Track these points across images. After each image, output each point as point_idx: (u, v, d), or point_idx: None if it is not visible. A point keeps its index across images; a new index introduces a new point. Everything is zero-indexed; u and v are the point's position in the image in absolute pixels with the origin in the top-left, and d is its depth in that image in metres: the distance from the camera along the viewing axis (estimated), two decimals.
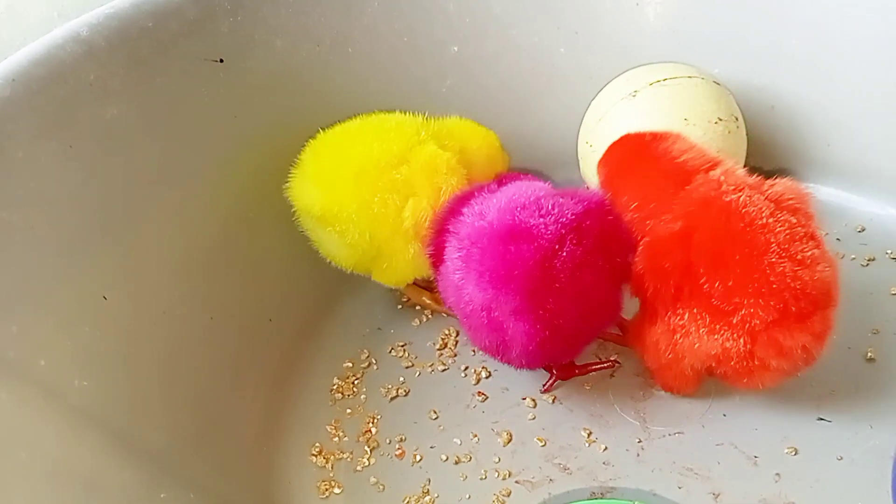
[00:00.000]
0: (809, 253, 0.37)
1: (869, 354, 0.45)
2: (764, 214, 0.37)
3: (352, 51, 0.51)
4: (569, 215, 0.38)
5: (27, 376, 0.33)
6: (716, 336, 0.38)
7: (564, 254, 0.37)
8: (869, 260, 0.50)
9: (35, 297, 0.35)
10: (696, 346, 0.39)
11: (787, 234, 0.37)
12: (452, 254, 0.40)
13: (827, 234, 0.52)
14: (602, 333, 0.46)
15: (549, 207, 0.38)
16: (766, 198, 0.38)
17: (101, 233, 0.38)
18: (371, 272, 0.47)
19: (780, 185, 0.39)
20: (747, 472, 0.41)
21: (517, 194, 0.39)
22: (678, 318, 0.39)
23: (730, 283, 0.37)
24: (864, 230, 0.53)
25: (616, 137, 0.49)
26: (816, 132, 0.54)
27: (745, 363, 0.38)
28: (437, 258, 0.42)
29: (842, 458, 0.41)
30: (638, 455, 0.42)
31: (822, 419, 0.43)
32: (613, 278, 0.40)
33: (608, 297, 0.40)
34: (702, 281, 0.37)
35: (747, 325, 0.37)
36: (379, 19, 0.52)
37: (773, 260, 0.36)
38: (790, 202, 0.39)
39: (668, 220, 0.40)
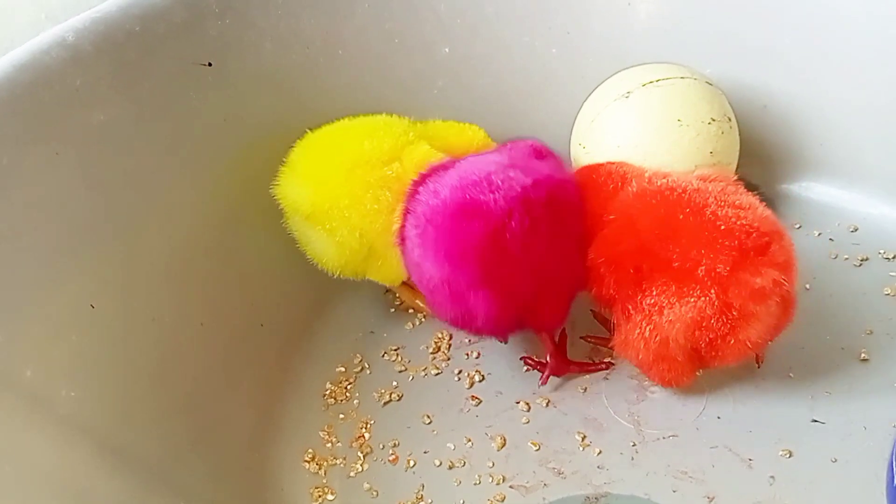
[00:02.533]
0: (747, 200, 0.40)
1: (862, 355, 0.45)
2: (694, 183, 0.40)
3: (342, 52, 0.51)
4: (517, 188, 0.40)
5: (13, 387, 0.33)
6: (688, 298, 0.38)
7: (514, 225, 0.39)
8: (862, 260, 0.50)
9: (21, 305, 0.34)
10: (675, 317, 0.39)
11: (720, 190, 0.40)
12: (410, 232, 0.41)
13: (820, 233, 0.52)
14: (595, 339, 0.47)
15: (499, 183, 0.40)
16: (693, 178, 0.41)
17: (89, 240, 0.38)
18: (359, 274, 0.47)
19: (702, 170, 0.43)
20: (742, 475, 0.41)
21: (469, 170, 0.41)
22: (648, 297, 0.40)
23: (683, 241, 0.38)
24: (857, 230, 0.53)
25: (609, 138, 0.49)
26: (809, 131, 0.54)
27: (725, 318, 0.38)
28: (401, 239, 0.43)
29: (836, 460, 0.41)
30: (632, 458, 0.42)
31: (816, 421, 0.42)
32: (567, 244, 0.42)
33: (564, 262, 0.42)
34: (657, 251, 0.39)
35: (713, 273, 0.38)
36: (369, 21, 0.51)
37: (714, 209, 0.39)
38: (713, 177, 0.42)
39: (612, 218, 0.42)
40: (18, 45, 0.37)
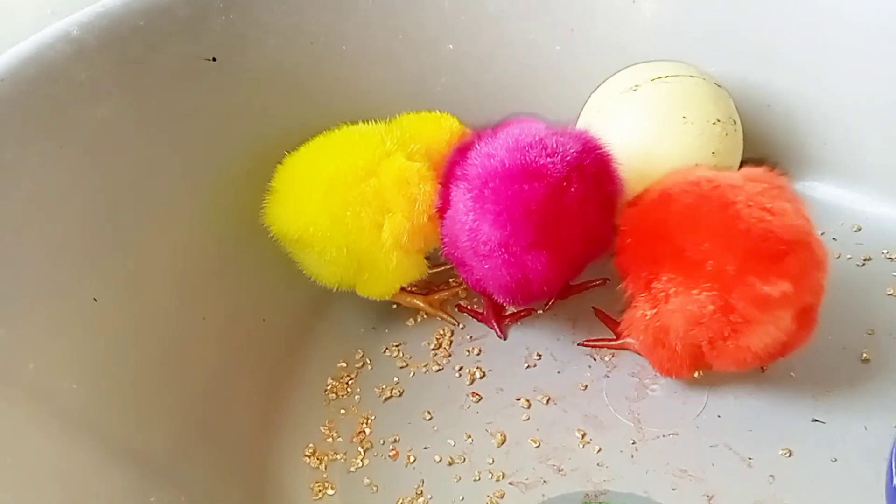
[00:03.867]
0: (780, 205, 0.38)
1: (864, 355, 0.45)
2: (733, 179, 0.40)
3: (346, 49, 0.51)
4: (572, 153, 0.41)
5: (16, 380, 0.33)
6: (692, 291, 0.38)
7: (572, 189, 0.40)
8: (865, 260, 0.50)
9: (24, 299, 0.34)
10: (677, 307, 0.39)
11: (758, 191, 0.39)
12: (463, 196, 0.42)
13: (823, 233, 0.52)
14: (594, 343, 0.48)
15: (554, 146, 0.41)
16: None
17: (92, 234, 0.38)
18: (355, 286, 0.47)
19: (749, 168, 0.42)
20: (741, 474, 0.41)
21: (521, 134, 0.42)
22: (658, 281, 0.40)
23: (699, 233, 0.38)
24: (860, 230, 0.52)
25: (614, 129, 0.49)
26: (812, 131, 0.54)
27: (725, 319, 0.38)
28: (443, 207, 0.43)
29: (836, 460, 0.41)
30: (632, 456, 0.42)
31: (816, 420, 0.42)
32: (607, 207, 0.43)
33: (604, 223, 0.43)
34: (675, 238, 0.39)
35: (720, 271, 0.37)
36: (373, 17, 0.51)
37: (740, 208, 0.38)
38: (761, 177, 0.40)
39: (648, 194, 0.42)
40: (23, 39, 0.37)
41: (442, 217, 0.44)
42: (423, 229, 0.45)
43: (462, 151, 0.44)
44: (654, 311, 0.40)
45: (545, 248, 0.41)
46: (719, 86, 0.49)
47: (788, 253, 0.37)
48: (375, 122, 0.47)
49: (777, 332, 0.38)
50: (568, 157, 0.41)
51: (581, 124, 0.52)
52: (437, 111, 0.50)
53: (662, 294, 0.39)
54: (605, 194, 0.43)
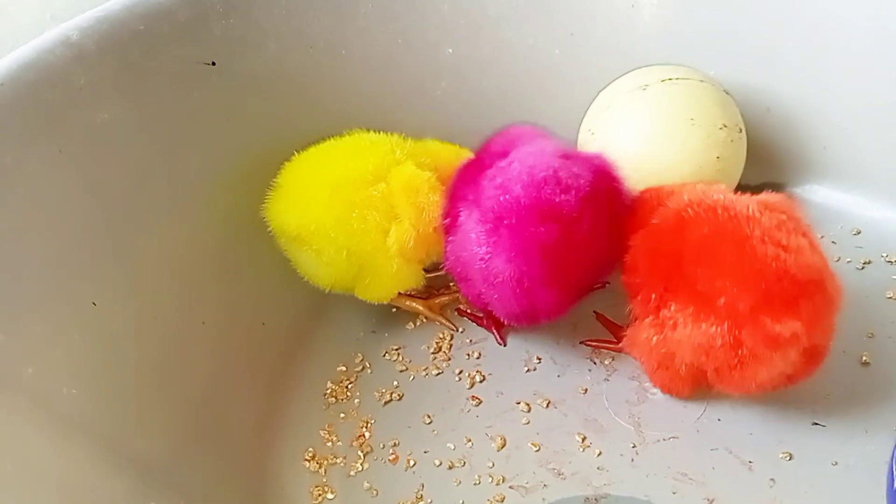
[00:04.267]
0: (796, 242, 0.38)
1: (864, 358, 0.45)
2: (751, 209, 0.39)
3: (345, 53, 0.51)
4: (585, 186, 0.41)
5: (14, 385, 0.33)
6: (701, 324, 0.38)
7: (585, 226, 0.41)
8: (865, 263, 0.50)
9: (23, 303, 0.34)
10: (684, 338, 0.38)
11: (774, 225, 0.38)
12: (475, 227, 0.41)
13: (823, 236, 0.52)
14: (596, 343, 0.48)
15: (568, 182, 0.41)
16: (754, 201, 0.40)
17: (91, 238, 0.38)
18: (351, 289, 0.47)
19: (766, 194, 0.41)
20: (742, 478, 0.41)
21: (535, 164, 0.41)
22: (667, 309, 0.39)
23: (713, 268, 0.38)
24: (860, 233, 0.52)
25: (620, 127, 0.49)
26: (812, 134, 0.54)
27: (733, 353, 0.37)
28: (451, 226, 0.43)
29: (837, 464, 0.41)
30: (632, 460, 0.42)
31: (816, 424, 0.42)
32: (615, 233, 0.43)
33: (612, 249, 0.43)
34: (688, 268, 0.38)
35: (731, 308, 0.37)
36: (373, 21, 0.51)
37: (755, 244, 0.37)
38: (777, 206, 0.40)
39: (663, 216, 0.41)
40: (23, 43, 0.37)
41: (447, 235, 0.44)
42: (428, 239, 0.45)
43: (471, 170, 0.44)
44: (661, 336, 0.40)
45: (557, 283, 0.41)
46: (727, 93, 0.49)
47: (802, 296, 0.37)
48: (383, 133, 0.47)
49: (784, 365, 0.38)
50: (582, 193, 0.41)
51: (589, 122, 0.52)
52: (458, 144, 0.49)
53: (671, 321, 0.39)
54: (614, 215, 0.43)
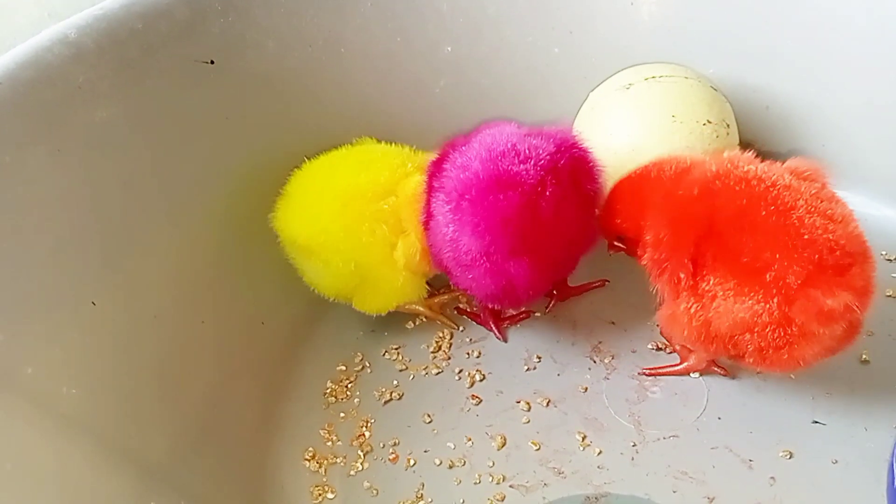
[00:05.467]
0: (840, 211, 0.37)
1: (863, 356, 0.45)
2: (786, 178, 0.37)
3: (344, 51, 0.51)
4: (545, 157, 0.41)
5: (14, 385, 0.33)
6: (745, 299, 0.36)
7: (547, 193, 0.40)
8: None
9: (22, 303, 0.34)
10: (724, 311, 0.37)
11: (812, 194, 0.37)
12: (442, 208, 0.42)
13: None
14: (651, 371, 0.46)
15: (527, 152, 0.41)
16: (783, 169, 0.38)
17: (91, 237, 0.38)
18: (351, 300, 0.47)
19: (794, 160, 0.40)
20: (742, 476, 0.41)
21: (494, 142, 0.42)
22: (706, 283, 0.38)
23: (759, 239, 0.36)
24: None
25: (605, 126, 0.49)
26: (811, 132, 0.54)
27: (782, 332, 0.36)
28: (427, 220, 0.43)
29: (837, 461, 0.41)
30: (632, 459, 0.42)
31: (816, 422, 0.42)
32: (586, 206, 0.43)
33: (584, 222, 0.44)
34: (728, 240, 0.37)
35: (781, 282, 0.35)
36: (372, 20, 0.51)
37: (802, 214, 0.36)
38: (807, 173, 0.39)
39: (685, 190, 0.39)
40: (21, 42, 0.37)
41: (426, 229, 0.44)
42: None
43: (439, 163, 0.43)
44: (699, 305, 0.38)
45: (526, 255, 0.41)
46: (716, 89, 0.49)
47: (853, 265, 0.35)
48: (395, 144, 0.47)
49: (830, 342, 0.37)
50: (542, 162, 0.41)
51: (577, 122, 0.52)
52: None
53: (710, 294, 0.38)
54: (584, 192, 0.43)
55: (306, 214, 0.44)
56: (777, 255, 0.36)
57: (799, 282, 0.35)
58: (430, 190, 0.43)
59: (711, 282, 0.38)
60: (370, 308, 0.47)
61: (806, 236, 0.35)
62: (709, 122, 0.47)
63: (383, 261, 0.44)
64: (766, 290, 0.36)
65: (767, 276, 0.36)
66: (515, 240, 0.40)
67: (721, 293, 0.37)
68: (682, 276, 0.38)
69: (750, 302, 0.36)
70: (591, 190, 0.43)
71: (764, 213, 0.36)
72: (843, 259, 0.35)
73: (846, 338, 0.38)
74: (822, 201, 0.37)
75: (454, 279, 0.44)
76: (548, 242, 0.42)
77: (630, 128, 0.48)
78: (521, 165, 0.40)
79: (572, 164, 0.42)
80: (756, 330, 0.37)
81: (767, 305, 0.36)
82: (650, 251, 0.40)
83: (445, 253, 0.42)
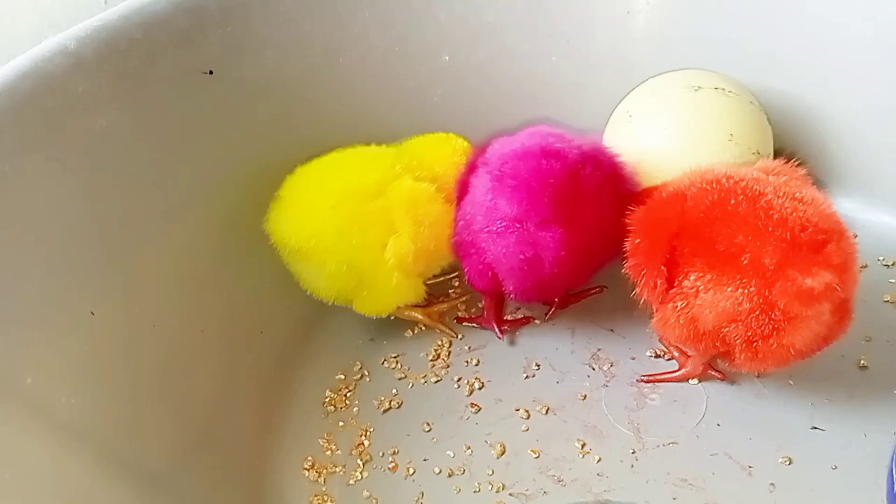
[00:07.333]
0: (809, 193, 0.37)
1: (862, 362, 0.45)
2: (753, 173, 0.39)
3: (343, 60, 0.51)
4: (588, 145, 0.44)
5: (13, 394, 0.33)
6: (724, 287, 0.36)
7: (587, 172, 0.43)
8: (861, 267, 0.50)
9: (21, 312, 0.34)
10: (707, 304, 0.37)
11: (781, 183, 0.38)
12: (482, 178, 0.44)
13: None
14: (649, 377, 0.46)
15: (570, 139, 0.44)
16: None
17: (90, 246, 0.38)
18: (351, 302, 0.47)
19: (763, 161, 0.41)
20: (742, 482, 0.41)
21: (537, 130, 0.45)
22: (687, 280, 0.38)
23: (731, 225, 0.37)
24: (856, 237, 0.52)
25: (661, 117, 0.48)
26: (809, 139, 0.54)
27: (766, 317, 0.36)
28: (462, 192, 0.46)
29: (836, 467, 0.41)
30: (632, 466, 0.42)
31: (816, 428, 0.42)
32: (622, 207, 0.43)
33: (617, 226, 0.43)
34: (701, 231, 0.37)
35: (757, 264, 0.35)
36: (370, 28, 0.52)
37: (771, 198, 0.37)
38: (778, 170, 0.40)
39: (656, 194, 0.41)
40: (21, 52, 0.37)
41: (459, 202, 0.45)
42: (427, 253, 0.45)
43: (482, 148, 0.46)
44: (685, 303, 0.38)
45: (559, 225, 0.42)
46: (769, 124, 0.49)
47: (828, 241, 0.35)
48: (383, 145, 0.47)
49: (819, 327, 0.36)
50: (584, 148, 0.43)
51: (626, 103, 0.51)
52: (444, 132, 0.50)
53: (693, 290, 0.38)
54: (621, 194, 0.44)
55: (298, 217, 0.44)
56: (749, 238, 0.36)
57: (775, 262, 0.35)
58: (471, 168, 0.45)
59: (692, 278, 0.38)
60: (370, 310, 0.47)
61: (776, 216, 0.36)
62: (758, 152, 0.47)
63: (375, 262, 0.44)
64: (743, 275, 0.36)
65: (743, 259, 0.36)
66: (551, 206, 0.41)
67: (702, 287, 0.38)
68: (658, 282, 0.39)
69: (729, 290, 0.36)
70: (627, 195, 0.44)
71: (733, 201, 0.38)
72: (817, 235, 0.36)
73: (837, 324, 0.37)
74: (790, 188, 0.38)
75: (472, 260, 0.45)
76: (581, 219, 0.42)
77: (686, 128, 0.48)
78: (565, 144, 0.43)
79: (612, 163, 0.45)
80: (740, 319, 0.37)
81: (747, 291, 0.36)
82: (629, 258, 0.41)
83: (478, 222, 0.43)
